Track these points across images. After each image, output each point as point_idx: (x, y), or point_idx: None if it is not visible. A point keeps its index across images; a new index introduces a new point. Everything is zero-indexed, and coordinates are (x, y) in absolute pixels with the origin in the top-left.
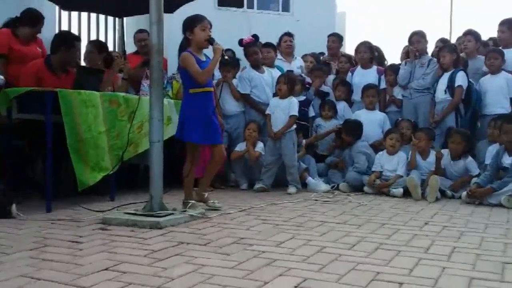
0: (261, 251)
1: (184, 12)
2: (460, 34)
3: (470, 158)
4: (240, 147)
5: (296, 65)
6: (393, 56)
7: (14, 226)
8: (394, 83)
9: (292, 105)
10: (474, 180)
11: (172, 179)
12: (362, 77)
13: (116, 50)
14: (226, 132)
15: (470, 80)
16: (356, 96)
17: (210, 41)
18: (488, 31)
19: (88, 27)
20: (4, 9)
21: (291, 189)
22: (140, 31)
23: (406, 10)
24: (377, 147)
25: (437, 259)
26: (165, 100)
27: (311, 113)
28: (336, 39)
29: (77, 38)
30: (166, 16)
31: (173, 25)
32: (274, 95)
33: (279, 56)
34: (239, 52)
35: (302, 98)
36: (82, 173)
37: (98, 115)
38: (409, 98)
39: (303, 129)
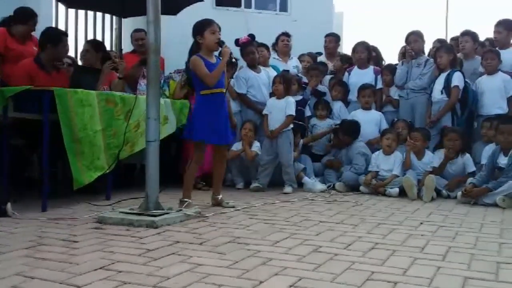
0: (256, 250)
1: (182, 11)
2: (455, 34)
3: (467, 155)
4: (237, 146)
5: (292, 64)
6: (390, 56)
7: (9, 225)
8: (390, 83)
9: (289, 104)
10: (470, 180)
11: (168, 178)
12: (359, 77)
13: (113, 49)
14: None
15: (467, 80)
16: (353, 96)
17: (220, 43)
18: (484, 32)
19: (85, 26)
20: (3, 8)
21: (287, 189)
22: (137, 30)
23: (404, 10)
24: (373, 144)
25: (432, 258)
26: (162, 100)
27: (308, 112)
28: (333, 39)
29: (64, 33)
30: (164, 16)
31: (171, 24)
32: (271, 95)
33: (275, 55)
34: (236, 52)
35: (299, 97)
36: (78, 172)
37: (94, 114)
38: (406, 98)
39: (300, 128)
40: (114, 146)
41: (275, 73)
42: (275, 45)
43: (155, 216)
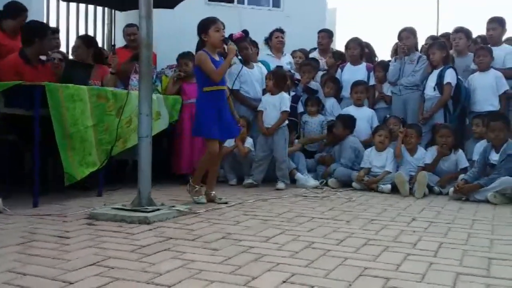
0: (249, 246)
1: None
2: (447, 31)
3: (460, 151)
4: (229, 143)
5: (286, 61)
6: (383, 53)
7: (0, 221)
8: (383, 79)
9: (283, 100)
10: (462, 176)
11: (160, 174)
12: (352, 73)
13: (105, 44)
14: None
15: (459, 77)
16: (345, 92)
17: (225, 41)
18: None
19: (77, 21)
20: None
21: (280, 185)
22: (130, 25)
23: (396, 7)
24: (367, 143)
25: (424, 254)
26: (154, 95)
27: (300, 109)
28: (326, 35)
29: (48, 26)
30: (156, 11)
31: (163, 19)
32: (264, 91)
33: (268, 51)
34: None
35: (292, 94)
36: (70, 167)
37: (85, 109)
38: (399, 94)
39: (292, 124)
40: (106, 142)
41: (270, 69)
42: (268, 40)
43: (147, 212)
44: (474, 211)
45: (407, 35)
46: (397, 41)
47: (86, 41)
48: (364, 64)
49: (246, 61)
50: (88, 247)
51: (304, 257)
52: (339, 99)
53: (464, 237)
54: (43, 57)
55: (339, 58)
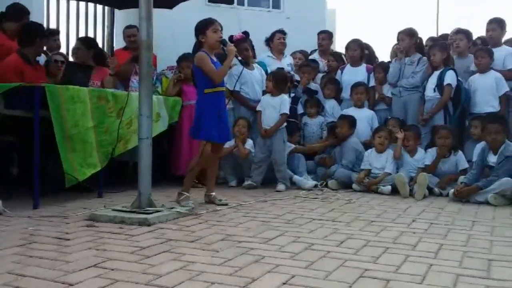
0: (249, 248)
1: (175, 8)
2: (446, 32)
3: (460, 153)
4: (229, 143)
5: (286, 62)
6: (383, 54)
7: (0, 222)
8: (383, 81)
9: (283, 103)
10: (461, 179)
11: (161, 175)
12: (352, 74)
13: (105, 46)
14: None
15: (459, 79)
16: (345, 94)
17: (223, 42)
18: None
19: (77, 22)
20: None
21: (280, 186)
22: (129, 26)
23: (396, 8)
24: (367, 144)
25: (424, 256)
26: (154, 97)
27: (300, 110)
28: (326, 36)
29: (43, 26)
30: (157, 12)
31: (163, 21)
32: (264, 92)
33: (269, 53)
34: None
35: (291, 95)
36: (70, 169)
37: (86, 111)
38: (398, 96)
39: (292, 126)
40: (106, 143)
41: (268, 71)
42: (269, 41)
43: (147, 213)
44: (474, 212)
45: (402, 37)
46: (396, 42)
47: (86, 42)
48: (364, 66)
49: (246, 63)
50: (88, 248)
51: (304, 258)
52: (339, 101)
53: (464, 238)
54: (43, 58)
55: (340, 60)
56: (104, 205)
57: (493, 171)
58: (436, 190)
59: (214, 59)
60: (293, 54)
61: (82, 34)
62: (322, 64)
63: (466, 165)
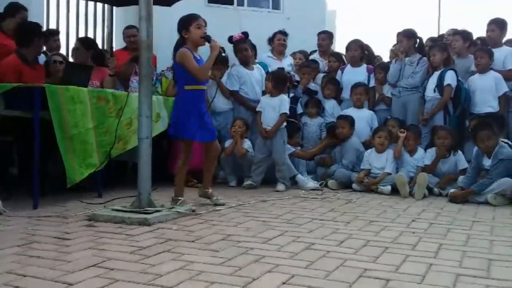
0: (249, 247)
1: (175, 8)
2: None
3: (459, 153)
4: (229, 143)
5: (287, 63)
6: (383, 54)
7: (0, 222)
8: (383, 81)
9: (283, 103)
10: (461, 179)
11: (160, 175)
12: (352, 75)
13: (105, 46)
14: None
15: (459, 79)
16: (346, 94)
17: (207, 38)
18: (475, 30)
19: (77, 23)
20: None
21: (280, 186)
22: (130, 27)
23: (396, 8)
24: (367, 145)
25: (424, 255)
26: (154, 97)
27: (299, 110)
28: (326, 37)
29: (41, 26)
30: (157, 12)
31: (163, 21)
32: (264, 93)
33: (269, 53)
34: (229, 49)
35: (291, 95)
36: (71, 169)
37: (86, 111)
38: (398, 96)
39: (291, 126)
40: (106, 144)
41: (268, 71)
42: (271, 40)
43: (147, 213)
44: (474, 212)
45: (401, 38)
46: (395, 43)
47: (85, 43)
48: (364, 66)
49: (246, 62)
50: (88, 248)
51: (304, 258)
52: (339, 101)
53: (464, 238)
54: (42, 58)
55: (341, 60)
56: (104, 205)
57: (487, 174)
58: (436, 190)
59: (198, 56)
60: (293, 55)
61: (82, 34)
62: (323, 64)
63: (466, 165)
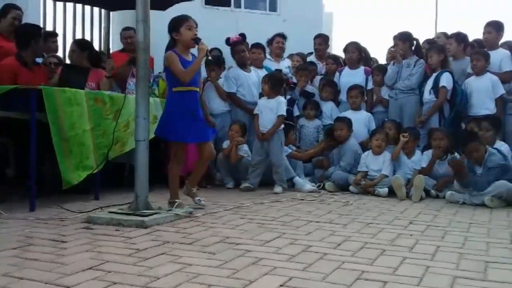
0: (246, 250)
1: (172, 10)
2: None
3: (456, 155)
4: (226, 144)
5: (284, 65)
6: (379, 57)
7: None
8: (381, 83)
9: (280, 105)
10: (456, 182)
11: (157, 178)
12: (350, 77)
13: (102, 47)
14: None
15: (456, 81)
16: (343, 96)
17: (196, 40)
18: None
19: (74, 24)
20: None
21: (277, 189)
22: (127, 28)
23: (393, 10)
24: (365, 146)
25: (421, 258)
26: (151, 99)
27: (296, 112)
28: (322, 41)
29: (40, 27)
30: (154, 14)
31: (161, 23)
32: (261, 95)
33: (268, 55)
34: (226, 51)
35: (288, 97)
36: (67, 171)
37: (82, 113)
38: (395, 98)
39: (288, 127)
40: (103, 146)
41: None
42: (269, 44)
43: (144, 216)
44: (471, 214)
45: (395, 41)
46: (391, 45)
47: (80, 44)
48: (362, 68)
49: (243, 64)
50: (85, 251)
51: (301, 260)
52: (337, 103)
53: (461, 240)
54: (38, 60)
55: (339, 62)
56: (101, 207)
57: (477, 183)
58: (433, 192)
59: (188, 58)
60: (290, 57)
61: (79, 36)
62: (320, 66)
63: None
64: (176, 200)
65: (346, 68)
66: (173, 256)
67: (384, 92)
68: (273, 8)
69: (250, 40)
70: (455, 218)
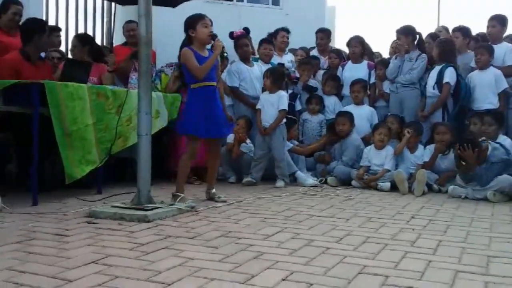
0: (248, 244)
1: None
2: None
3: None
4: (230, 138)
5: (287, 59)
6: (383, 51)
7: None
8: (383, 77)
9: (281, 99)
10: (458, 176)
11: (159, 172)
12: (353, 71)
13: (104, 41)
14: None
15: (460, 74)
16: (346, 90)
17: (213, 37)
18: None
19: (76, 19)
20: None
21: (279, 183)
22: (129, 21)
23: (396, 4)
24: (367, 140)
25: (423, 252)
26: (154, 93)
27: (298, 106)
28: (324, 35)
29: (45, 22)
30: (158, 10)
31: (162, 17)
32: (263, 89)
33: None
34: (230, 45)
35: (289, 91)
36: (70, 166)
37: (85, 107)
38: (395, 92)
39: (290, 122)
40: (105, 140)
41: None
42: (272, 37)
43: (147, 210)
44: (473, 209)
45: (398, 35)
46: (395, 39)
47: (81, 39)
48: (365, 62)
49: (246, 59)
50: (87, 245)
51: (303, 255)
52: (340, 97)
53: (463, 235)
54: (43, 54)
55: (340, 56)
56: (104, 201)
57: (481, 177)
58: (435, 186)
59: (205, 54)
60: (293, 51)
61: (81, 30)
62: (323, 60)
63: None
64: (180, 194)
65: (349, 62)
66: (176, 250)
67: (386, 86)
68: (275, 2)
69: (253, 35)
70: (457, 213)
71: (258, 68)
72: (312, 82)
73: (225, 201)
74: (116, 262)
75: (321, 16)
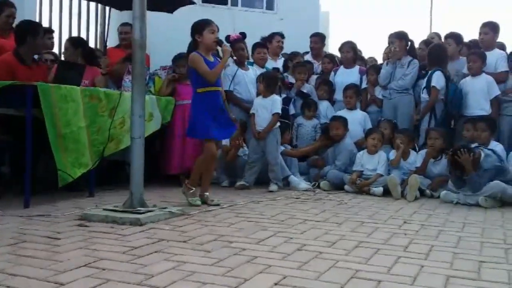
0: (241, 248)
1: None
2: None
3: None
4: (226, 141)
5: (282, 63)
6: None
7: None
8: (375, 82)
9: (274, 103)
10: (450, 181)
11: (152, 175)
12: (345, 76)
13: (98, 43)
14: None
15: (452, 78)
16: (338, 95)
17: (219, 43)
18: (467, 32)
19: (70, 22)
20: None
21: (273, 187)
22: (124, 24)
23: (389, 10)
24: (360, 145)
25: (415, 257)
26: (147, 96)
27: (291, 110)
28: (318, 40)
29: (40, 24)
30: (150, 12)
31: (157, 21)
32: (257, 94)
33: None
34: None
35: (283, 96)
36: (63, 168)
37: (78, 110)
38: (389, 98)
39: (284, 126)
40: (98, 143)
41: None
42: (266, 41)
43: (139, 213)
44: (465, 214)
45: (392, 40)
46: (387, 45)
47: (73, 42)
48: (357, 67)
49: (241, 63)
50: (79, 248)
51: (296, 259)
52: (332, 102)
53: (455, 240)
54: (36, 57)
55: (334, 61)
56: (96, 204)
57: (475, 183)
58: (428, 192)
59: (211, 59)
60: (288, 56)
61: (75, 33)
62: (316, 65)
63: None
64: (192, 187)
65: (341, 68)
66: (168, 254)
67: (378, 92)
68: (270, 6)
69: (247, 39)
70: (450, 218)
71: (253, 72)
72: (306, 87)
73: (218, 205)
74: (108, 266)
75: (315, 20)
